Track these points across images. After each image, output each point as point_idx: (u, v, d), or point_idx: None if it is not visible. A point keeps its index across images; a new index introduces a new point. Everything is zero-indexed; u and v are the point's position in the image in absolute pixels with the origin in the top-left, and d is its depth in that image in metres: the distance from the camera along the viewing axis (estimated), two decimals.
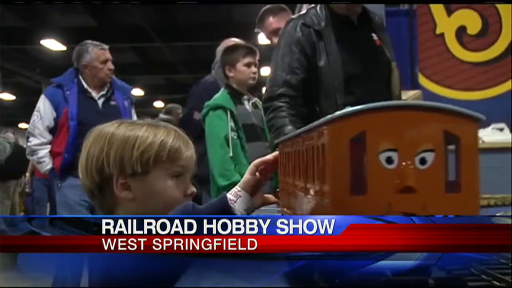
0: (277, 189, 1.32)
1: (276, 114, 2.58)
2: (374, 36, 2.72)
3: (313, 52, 2.61)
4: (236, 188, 1.31)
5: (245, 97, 3.70)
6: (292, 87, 2.60)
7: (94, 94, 4.15)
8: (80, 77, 4.15)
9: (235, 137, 3.53)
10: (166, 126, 1.46)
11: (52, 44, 13.20)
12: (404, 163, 0.59)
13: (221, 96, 3.71)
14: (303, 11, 2.77)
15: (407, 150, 0.58)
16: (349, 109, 0.63)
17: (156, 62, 15.50)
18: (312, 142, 0.67)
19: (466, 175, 0.61)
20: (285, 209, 1.09)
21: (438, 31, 5.81)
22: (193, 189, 1.46)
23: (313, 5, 2.74)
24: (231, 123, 3.53)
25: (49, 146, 4.08)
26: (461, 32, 5.74)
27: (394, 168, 0.59)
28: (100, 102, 4.15)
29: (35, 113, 4.13)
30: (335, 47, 2.61)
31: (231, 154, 3.46)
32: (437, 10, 5.80)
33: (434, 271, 0.92)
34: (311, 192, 0.70)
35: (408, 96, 2.88)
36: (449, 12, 5.79)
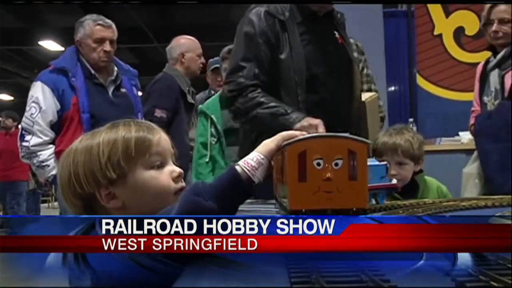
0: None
1: (256, 95, 2.41)
2: (336, 34, 2.60)
3: (276, 43, 2.46)
4: (259, 156, 1.20)
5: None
6: (262, 82, 2.44)
7: (102, 80, 3.43)
8: (83, 59, 3.42)
9: (214, 142, 3.53)
10: (125, 122, 1.38)
11: (50, 45, 13.20)
12: (326, 165, 1.03)
13: (211, 99, 3.69)
14: None
15: (328, 159, 1.03)
16: (298, 137, 1.12)
17: (154, 63, 15.49)
18: (283, 154, 1.12)
19: (360, 171, 1.03)
20: (277, 195, 1.43)
21: (436, 32, 5.82)
22: (179, 170, 1.38)
23: None
24: (212, 129, 3.53)
25: (52, 146, 3.32)
26: (459, 33, 5.75)
27: (321, 168, 1.03)
28: (110, 89, 3.45)
29: (31, 104, 3.34)
30: (299, 41, 2.47)
31: (207, 159, 3.48)
32: (435, 11, 5.81)
33: (432, 272, 0.92)
34: (283, 181, 1.14)
35: (366, 97, 2.82)
36: (447, 13, 5.80)
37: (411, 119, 5.37)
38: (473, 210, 1.90)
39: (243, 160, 1.20)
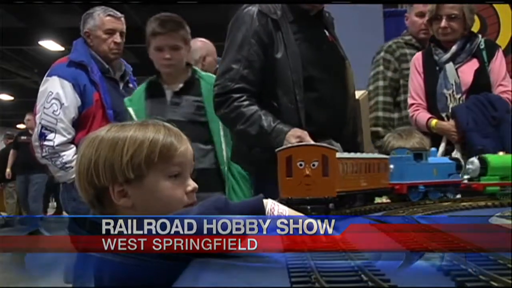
0: None
1: (240, 104, 2.38)
2: (326, 33, 2.62)
3: (270, 43, 2.44)
4: (284, 212, 1.17)
5: (166, 86, 3.04)
6: (250, 83, 2.41)
7: (113, 74, 3.32)
8: (93, 52, 3.27)
9: None
10: (155, 123, 1.38)
11: (50, 45, 13.19)
12: (306, 166, 1.33)
13: (138, 88, 3.18)
14: None
15: (307, 161, 1.33)
16: (286, 145, 1.48)
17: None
18: (278, 157, 1.41)
19: (331, 170, 1.35)
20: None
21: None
22: (194, 185, 1.39)
23: None
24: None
25: (74, 146, 3.11)
26: None
27: (302, 168, 1.33)
28: (120, 85, 3.34)
29: (52, 101, 3.12)
30: (293, 40, 2.46)
31: None
32: None
33: (432, 271, 0.92)
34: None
35: (359, 95, 2.86)
36: None
37: None
38: (473, 210, 1.90)
39: (272, 202, 1.16)
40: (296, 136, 2.26)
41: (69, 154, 3.09)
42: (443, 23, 3.25)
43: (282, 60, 2.45)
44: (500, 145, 2.95)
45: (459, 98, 3.26)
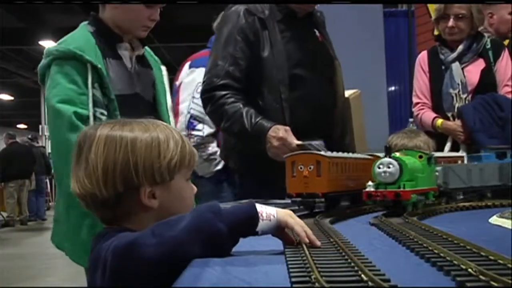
0: None
1: (224, 101, 2.39)
2: (317, 32, 2.62)
3: (256, 41, 2.45)
4: (273, 213, 1.16)
5: (124, 45, 2.22)
6: (235, 79, 2.42)
7: None
8: None
9: (104, 117, 2.01)
10: (171, 128, 1.41)
11: (50, 45, 13.18)
12: (305, 168, 1.68)
13: (79, 34, 2.19)
14: None
15: (306, 165, 1.68)
16: (291, 153, 1.77)
17: None
18: (286, 162, 1.74)
19: (323, 171, 1.68)
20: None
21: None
22: (195, 188, 1.44)
23: None
24: (96, 91, 2.03)
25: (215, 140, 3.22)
26: None
27: (302, 170, 1.68)
28: None
29: (195, 94, 3.16)
30: (279, 38, 2.47)
31: None
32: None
33: (432, 271, 0.92)
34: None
35: (349, 94, 2.85)
36: None
37: (411, 119, 5.36)
38: (473, 210, 1.91)
39: (260, 206, 1.15)
40: (278, 138, 2.28)
41: (214, 145, 3.18)
42: (451, 22, 3.25)
43: (268, 58, 2.45)
44: (506, 145, 2.95)
45: (465, 98, 3.26)
